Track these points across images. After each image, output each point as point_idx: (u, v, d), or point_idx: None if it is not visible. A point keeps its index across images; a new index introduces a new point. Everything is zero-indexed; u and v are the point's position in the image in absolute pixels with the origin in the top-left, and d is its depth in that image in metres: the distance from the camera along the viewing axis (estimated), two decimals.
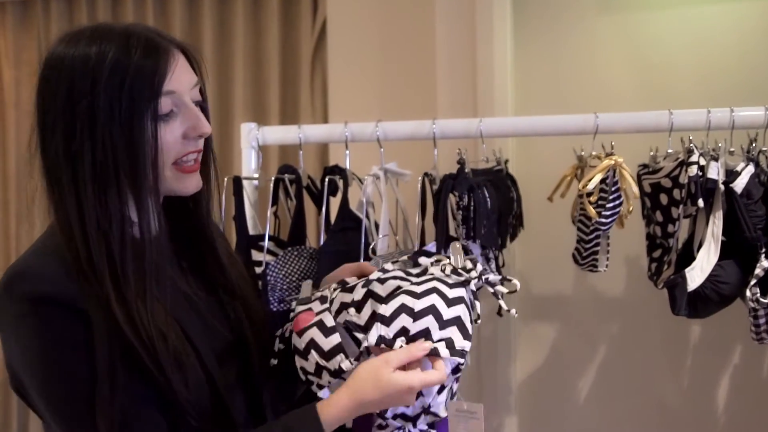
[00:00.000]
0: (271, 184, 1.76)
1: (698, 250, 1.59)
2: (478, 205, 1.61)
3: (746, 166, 1.59)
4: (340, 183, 1.75)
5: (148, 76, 0.92)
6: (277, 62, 2.80)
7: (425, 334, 0.99)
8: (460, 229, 1.64)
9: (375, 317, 1.02)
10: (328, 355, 1.02)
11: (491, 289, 1.11)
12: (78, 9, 3.05)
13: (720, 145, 1.62)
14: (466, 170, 1.69)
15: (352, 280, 1.12)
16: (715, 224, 1.58)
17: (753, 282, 1.55)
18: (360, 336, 1.04)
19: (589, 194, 1.62)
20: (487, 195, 1.67)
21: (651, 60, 2.12)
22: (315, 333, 1.03)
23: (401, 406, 1.01)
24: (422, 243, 1.74)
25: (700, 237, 1.61)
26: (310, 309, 1.08)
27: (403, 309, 1.00)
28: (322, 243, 1.68)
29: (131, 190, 0.93)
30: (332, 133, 1.77)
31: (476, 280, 1.09)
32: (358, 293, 1.07)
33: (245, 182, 1.75)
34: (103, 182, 0.92)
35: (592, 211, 1.61)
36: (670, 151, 1.68)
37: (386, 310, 1.01)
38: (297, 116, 2.77)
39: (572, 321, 2.22)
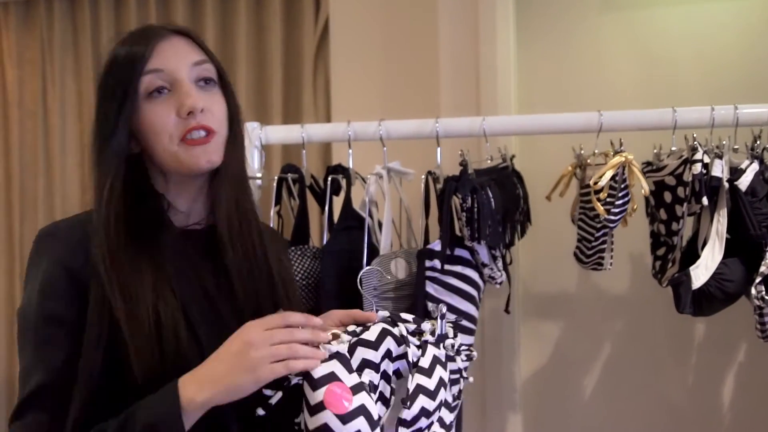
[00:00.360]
0: (274, 184, 1.76)
1: (703, 248, 1.58)
2: (482, 206, 1.61)
3: (751, 163, 1.58)
4: (343, 182, 1.75)
5: (131, 59, 1.02)
6: (280, 61, 2.80)
7: (429, 426, 1.05)
8: (464, 231, 1.64)
9: (398, 421, 1.02)
10: None
11: (451, 353, 1.13)
12: (80, 9, 3.05)
13: (724, 142, 1.61)
14: (469, 171, 1.68)
15: (370, 335, 1.02)
16: (720, 222, 1.57)
17: (758, 280, 1.55)
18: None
19: (597, 191, 1.62)
20: (491, 195, 1.66)
21: (654, 57, 2.11)
22: (363, 425, 0.95)
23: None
24: (426, 242, 1.74)
25: (705, 235, 1.60)
26: (335, 377, 0.96)
27: (423, 413, 1.02)
28: (325, 242, 1.68)
29: (103, 159, 1.03)
30: (335, 133, 1.77)
31: (452, 351, 1.12)
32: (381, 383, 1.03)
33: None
34: (101, 151, 1.03)
35: (600, 208, 1.61)
36: (673, 148, 1.68)
37: (408, 414, 1.01)
38: (300, 115, 2.77)
39: (576, 319, 2.22)
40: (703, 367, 2.11)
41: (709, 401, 2.10)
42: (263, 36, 2.85)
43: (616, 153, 1.61)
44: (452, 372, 1.12)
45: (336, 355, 0.97)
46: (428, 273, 1.63)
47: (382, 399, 1.03)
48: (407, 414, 1.00)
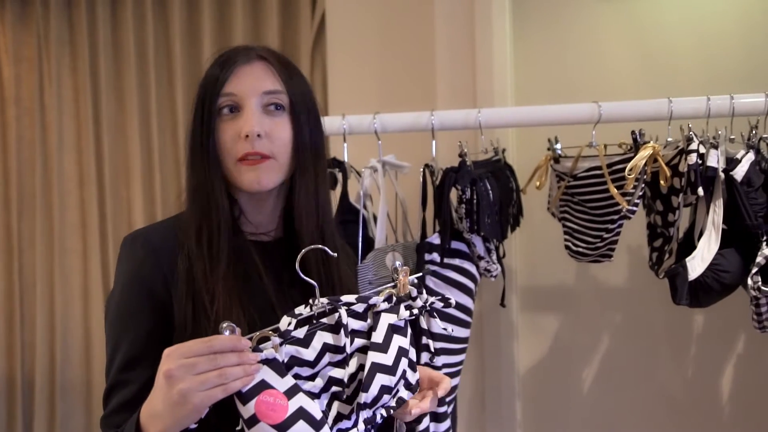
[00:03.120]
0: None
1: (699, 239, 1.58)
2: (481, 198, 1.61)
3: (746, 153, 1.58)
4: (339, 176, 1.75)
5: (212, 81, 1.11)
6: None
7: (393, 395, 1.03)
8: (463, 223, 1.63)
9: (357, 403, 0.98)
10: None
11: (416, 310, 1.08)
12: (77, 5, 3.04)
13: (720, 132, 1.61)
14: (468, 163, 1.68)
15: (299, 333, 0.96)
16: (716, 213, 1.57)
17: (754, 270, 1.54)
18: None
19: (616, 181, 1.62)
20: (488, 187, 1.66)
21: (651, 47, 2.10)
22: (304, 428, 0.92)
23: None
24: (423, 235, 1.74)
25: (701, 226, 1.60)
26: (265, 385, 0.91)
27: (383, 391, 1.00)
28: None
29: (202, 169, 1.11)
30: (330, 126, 1.77)
31: (418, 308, 1.07)
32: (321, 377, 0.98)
33: None
34: (191, 160, 1.13)
35: (622, 200, 1.61)
36: (669, 139, 1.67)
37: (367, 397, 0.98)
38: None
39: (574, 311, 2.22)
40: (700, 358, 2.11)
41: (707, 392, 2.10)
42: (260, 31, 2.85)
43: (643, 144, 1.61)
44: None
45: (264, 362, 0.92)
46: (427, 266, 1.63)
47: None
48: (365, 398, 0.97)
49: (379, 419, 1.02)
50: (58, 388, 3.09)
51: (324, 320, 0.97)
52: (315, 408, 0.93)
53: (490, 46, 2.17)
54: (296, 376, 0.95)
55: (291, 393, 0.92)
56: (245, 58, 1.13)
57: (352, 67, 2.49)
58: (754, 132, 1.63)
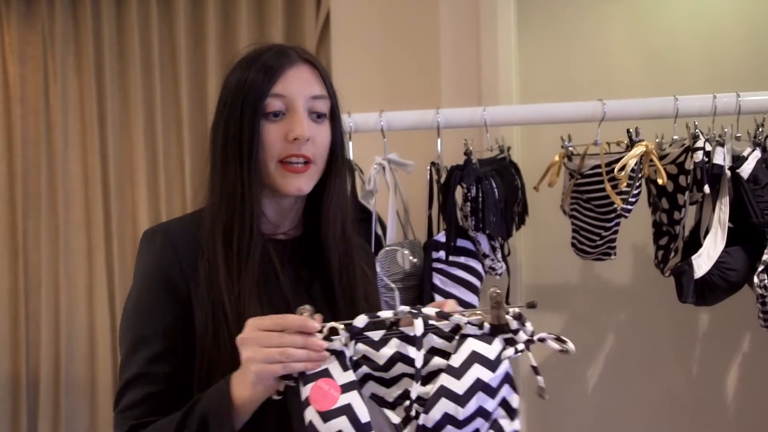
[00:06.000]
0: None
1: (705, 237, 1.58)
2: (487, 196, 1.61)
3: (753, 151, 1.58)
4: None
5: (261, 80, 1.09)
6: None
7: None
8: (468, 221, 1.64)
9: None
10: None
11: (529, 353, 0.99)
12: (81, 5, 3.05)
13: (726, 130, 1.61)
14: (473, 160, 1.68)
15: (374, 335, 0.96)
16: (722, 210, 1.57)
17: (761, 268, 1.55)
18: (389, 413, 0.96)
19: (612, 179, 1.62)
20: (494, 185, 1.66)
21: (656, 45, 2.10)
22: (345, 425, 0.91)
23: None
24: (430, 233, 1.74)
25: (707, 224, 1.60)
26: (326, 373, 0.94)
27: (447, 421, 0.92)
28: None
29: (239, 169, 1.09)
30: None
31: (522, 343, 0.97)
32: (394, 373, 0.96)
33: None
34: (223, 159, 1.10)
35: (617, 198, 1.61)
36: (675, 137, 1.67)
37: (428, 421, 0.92)
38: None
39: (578, 309, 2.22)
40: (706, 357, 2.10)
41: (713, 391, 2.10)
42: (264, 30, 2.85)
43: (636, 142, 1.60)
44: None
45: (332, 353, 0.94)
46: (434, 264, 1.64)
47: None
48: (424, 419, 0.92)
49: None
50: (63, 386, 3.10)
51: (403, 329, 0.96)
52: (364, 411, 0.93)
53: (494, 44, 2.17)
54: (368, 376, 0.97)
55: (347, 388, 0.94)
56: (290, 61, 1.12)
57: (356, 65, 2.49)
58: (760, 130, 1.63)
